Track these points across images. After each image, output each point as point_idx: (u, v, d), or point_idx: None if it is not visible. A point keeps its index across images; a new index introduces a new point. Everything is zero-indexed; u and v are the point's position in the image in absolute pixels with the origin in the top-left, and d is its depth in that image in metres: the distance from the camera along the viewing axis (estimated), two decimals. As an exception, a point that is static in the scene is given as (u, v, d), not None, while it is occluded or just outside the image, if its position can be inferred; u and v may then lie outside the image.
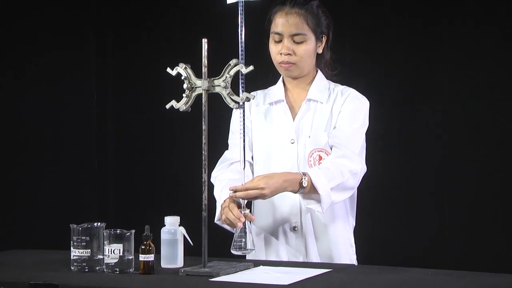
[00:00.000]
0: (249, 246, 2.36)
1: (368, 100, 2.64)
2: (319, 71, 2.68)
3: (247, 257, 2.51)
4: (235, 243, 2.36)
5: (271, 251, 2.62)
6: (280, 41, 2.58)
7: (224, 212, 2.42)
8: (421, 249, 3.64)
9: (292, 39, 2.57)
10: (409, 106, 3.71)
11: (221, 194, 2.53)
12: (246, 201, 2.39)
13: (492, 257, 3.51)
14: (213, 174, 2.66)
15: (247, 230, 2.37)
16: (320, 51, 2.64)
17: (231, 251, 2.37)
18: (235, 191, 2.36)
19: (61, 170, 4.28)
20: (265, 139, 2.66)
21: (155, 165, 4.19)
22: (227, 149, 2.73)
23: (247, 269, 2.30)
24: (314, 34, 2.59)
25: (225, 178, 2.60)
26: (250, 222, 2.39)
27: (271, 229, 2.62)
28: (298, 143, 2.61)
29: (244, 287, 2.02)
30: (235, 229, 2.39)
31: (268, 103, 2.70)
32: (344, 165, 2.48)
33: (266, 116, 2.68)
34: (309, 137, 2.60)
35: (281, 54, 2.58)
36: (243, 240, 2.35)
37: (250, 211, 2.47)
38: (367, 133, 2.62)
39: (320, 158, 2.57)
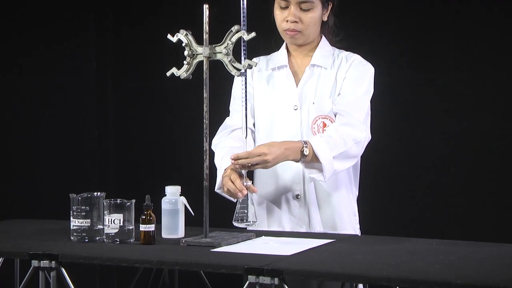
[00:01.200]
0: (251, 218, 2.35)
1: (373, 66, 2.60)
2: (323, 37, 2.64)
3: (249, 228, 2.49)
4: (237, 215, 2.35)
5: (273, 220, 2.59)
6: (286, 7, 2.53)
7: (225, 182, 2.39)
8: (425, 219, 3.63)
9: (299, 6, 2.52)
10: (415, 73, 3.67)
11: (222, 163, 2.50)
12: (247, 171, 2.37)
13: (497, 227, 3.49)
14: (214, 141, 2.62)
15: (249, 202, 2.35)
16: (325, 18, 2.60)
17: (233, 223, 2.36)
18: (237, 158, 2.33)
19: (61, 139, 4.25)
20: (268, 105, 2.62)
21: (155, 134, 4.17)
22: (229, 115, 2.69)
23: (249, 239, 2.29)
24: (321, 2, 2.55)
25: (226, 146, 2.57)
26: (252, 193, 2.37)
27: (273, 197, 2.59)
28: (302, 110, 2.57)
29: (246, 257, 2.01)
30: (236, 200, 2.37)
31: (270, 68, 2.65)
32: (347, 133, 2.45)
33: (268, 81, 2.64)
34: (313, 103, 2.56)
35: (287, 21, 2.53)
36: (245, 212, 2.34)
37: (252, 180, 2.44)
38: (371, 101, 2.58)
39: (324, 125, 2.54)
